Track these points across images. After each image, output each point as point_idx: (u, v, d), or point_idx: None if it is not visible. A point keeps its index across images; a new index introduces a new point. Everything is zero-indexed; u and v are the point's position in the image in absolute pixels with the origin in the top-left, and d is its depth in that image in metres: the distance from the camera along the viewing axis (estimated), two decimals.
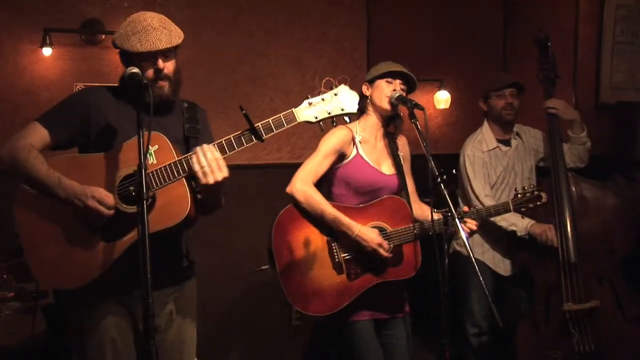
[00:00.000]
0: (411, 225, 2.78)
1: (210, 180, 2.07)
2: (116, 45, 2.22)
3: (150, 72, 2.20)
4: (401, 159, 2.96)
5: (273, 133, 2.12)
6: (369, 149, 2.87)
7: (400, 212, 2.82)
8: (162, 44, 2.16)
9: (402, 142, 3.03)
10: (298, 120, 2.12)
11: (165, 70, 2.22)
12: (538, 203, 2.84)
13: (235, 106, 4.21)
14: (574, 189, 3.35)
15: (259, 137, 2.11)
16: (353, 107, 2.14)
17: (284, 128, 2.12)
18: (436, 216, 2.68)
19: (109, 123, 2.21)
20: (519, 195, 2.85)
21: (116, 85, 2.26)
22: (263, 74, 4.33)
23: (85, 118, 2.21)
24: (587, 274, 3.26)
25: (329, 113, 2.12)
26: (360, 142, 2.85)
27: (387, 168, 2.91)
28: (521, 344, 3.37)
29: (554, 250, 3.25)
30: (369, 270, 2.75)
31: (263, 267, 2.84)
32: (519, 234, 3.34)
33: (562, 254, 3.25)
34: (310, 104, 2.12)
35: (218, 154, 2.08)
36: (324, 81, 2.13)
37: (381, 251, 2.69)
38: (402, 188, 2.92)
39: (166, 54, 2.22)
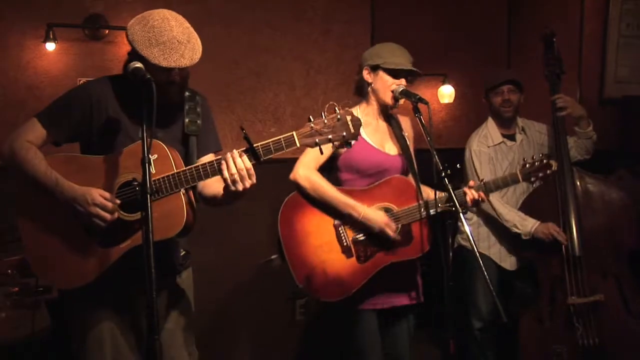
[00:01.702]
0: (418, 204, 2.75)
1: (240, 188, 2.06)
2: (133, 45, 2.11)
3: (161, 79, 2.13)
4: (406, 139, 2.92)
5: (271, 155, 2.09)
6: (371, 131, 2.85)
7: (407, 192, 2.79)
8: (185, 61, 2.11)
9: (406, 123, 2.99)
10: (298, 145, 2.07)
11: (178, 79, 2.19)
12: (548, 172, 2.76)
13: (239, 100, 4.22)
14: (578, 183, 3.34)
15: (257, 158, 2.07)
16: (355, 135, 2.09)
17: (283, 151, 2.08)
18: (440, 195, 2.66)
19: (110, 117, 2.20)
20: (527, 165, 2.77)
21: (119, 74, 2.23)
22: (267, 68, 4.32)
23: (85, 113, 2.20)
24: (591, 268, 3.25)
25: (330, 139, 2.07)
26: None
27: (391, 148, 2.88)
28: (526, 338, 3.37)
29: (558, 244, 3.25)
30: (379, 251, 2.74)
31: (272, 257, 2.83)
32: (523, 237, 3.34)
33: (566, 248, 3.25)
34: (312, 128, 2.06)
35: (248, 163, 2.05)
36: (327, 106, 2.10)
37: (388, 231, 2.68)
38: (408, 168, 2.89)
39: (184, 68, 2.17)
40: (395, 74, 2.78)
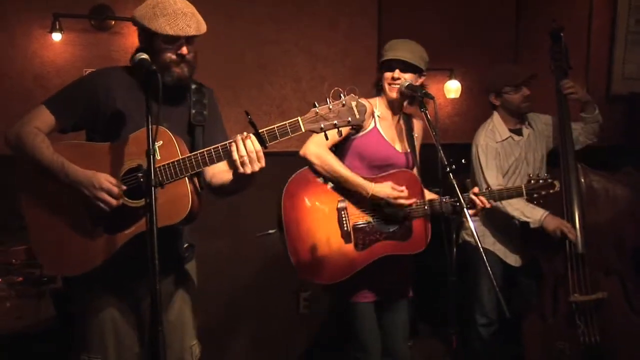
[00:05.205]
0: (423, 201, 2.79)
1: (248, 171, 2.05)
2: (139, 23, 2.18)
3: (171, 56, 2.19)
4: (415, 139, 2.97)
5: (277, 141, 2.09)
6: (386, 125, 2.88)
7: (414, 187, 2.81)
8: (191, 30, 2.16)
9: (417, 124, 3.04)
10: (303, 130, 2.08)
11: (187, 56, 2.22)
12: (550, 191, 2.84)
13: (245, 94, 4.21)
14: (583, 180, 3.33)
15: (262, 142, 2.07)
16: (360, 120, 2.10)
17: (289, 137, 2.09)
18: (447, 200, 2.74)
19: (118, 108, 2.21)
20: (532, 182, 2.85)
21: (128, 65, 2.24)
22: (273, 61, 4.30)
23: (93, 102, 2.21)
24: (594, 265, 3.25)
25: (335, 124, 2.08)
26: (378, 117, 2.84)
27: (400, 146, 2.92)
28: (529, 334, 3.38)
29: (563, 241, 3.24)
30: (377, 241, 2.75)
31: (270, 231, 2.82)
32: (532, 225, 3.32)
33: (569, 245, 3.24)
34: (316, 113, 2.07)
35: (258, 146, 2.05)
36: (332, 91, 2.10)
37: (401, 201, 2.70)
38: (412, 167, 2.94)
39: (190, 40, 2.21)
40: (389, 66, 2.80)
